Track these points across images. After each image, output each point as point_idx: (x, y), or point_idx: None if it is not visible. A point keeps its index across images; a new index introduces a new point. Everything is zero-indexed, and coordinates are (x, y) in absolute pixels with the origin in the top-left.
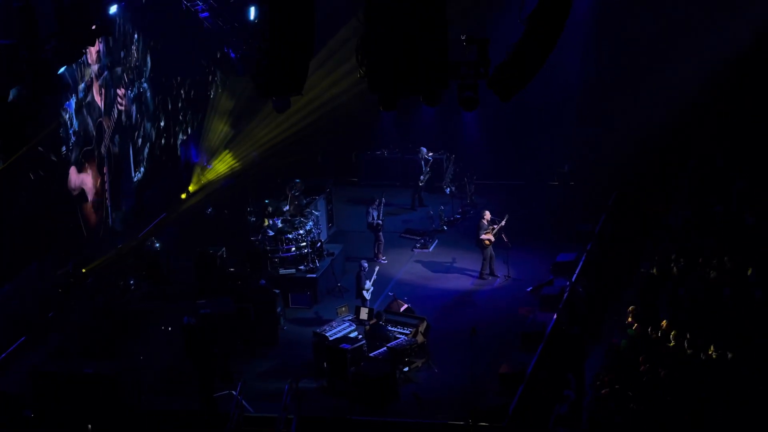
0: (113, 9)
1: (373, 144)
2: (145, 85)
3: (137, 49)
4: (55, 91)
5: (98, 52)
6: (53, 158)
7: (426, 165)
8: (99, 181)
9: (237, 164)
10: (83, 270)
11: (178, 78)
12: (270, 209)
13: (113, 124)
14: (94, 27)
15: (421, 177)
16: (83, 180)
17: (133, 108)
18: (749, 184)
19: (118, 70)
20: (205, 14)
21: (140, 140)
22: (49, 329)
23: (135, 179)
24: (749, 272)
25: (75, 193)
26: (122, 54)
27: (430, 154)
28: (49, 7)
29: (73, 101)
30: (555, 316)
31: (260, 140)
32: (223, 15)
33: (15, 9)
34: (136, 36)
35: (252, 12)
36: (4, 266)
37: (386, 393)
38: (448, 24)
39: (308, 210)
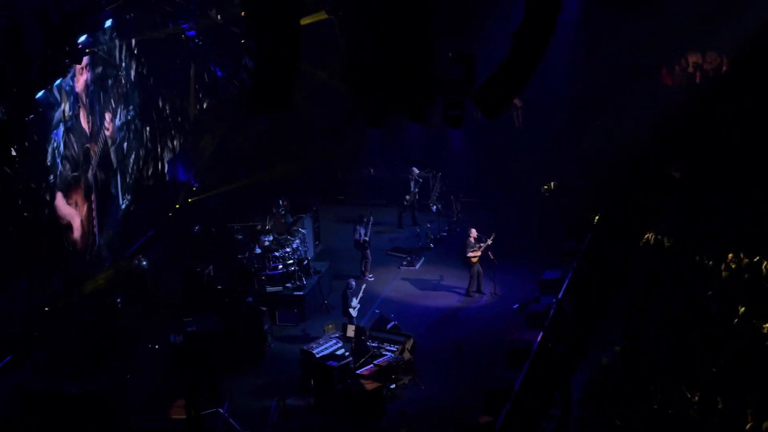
0: (108, 23)
1: (359, 162)
2: (132, 111)
3: (124, 75)
4: (41, 109)
5: (86, 80)
6: (40, 185)
7: (415, 186)
8: (86, 208)
9: (224, 182)
10: (70, 288)
11: (166, 97)
12: (258, 227)
13: (100, 150)
14: (80, 45)
15: (407, 197)
16: (71, 209)
17: (121, 133)
18: (731, 199)
19: (106, 95)
20: (192, 32)
21: (128, 165)
22: (36, 347)
23: (123, 206)
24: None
25: (63, 221)
26: (110, 82)
27: (423, 172)
28: (35, 26)
29: (60, 129)
30: (541, 334)
31: (247, 158)
32: (209, 33)
33: (1, 28)
34: (124, 63)
35: None
36: None
37: (373, 410)
38: (434, 41)
39: (295, 228)
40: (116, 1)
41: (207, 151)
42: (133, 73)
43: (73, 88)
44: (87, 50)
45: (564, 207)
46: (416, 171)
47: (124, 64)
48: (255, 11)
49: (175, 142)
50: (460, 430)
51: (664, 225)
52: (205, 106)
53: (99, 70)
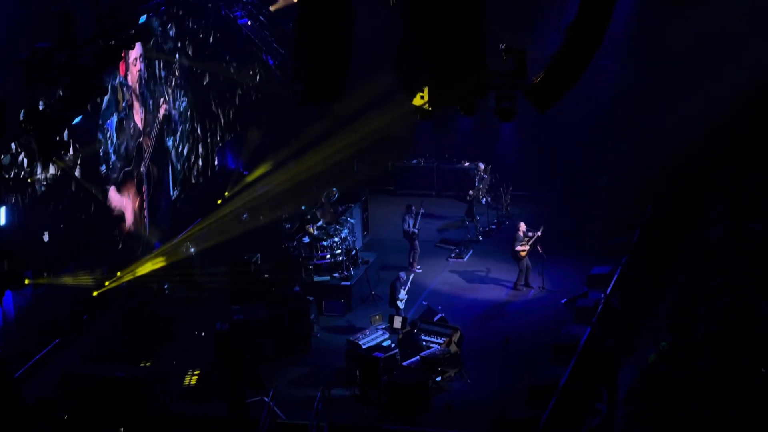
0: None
1: (409, 153)
2: (184, 102)
3: (177, 66)
4: (92, 95)
5: (139, 71)
6: (93, 174)
7: (480, 182)
8: (138, 200)
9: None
10: (118, 273)
11: (217, 86)
12: (308, 216)
13: (152, 144)
14: (132, 31)
15: (470, 192)
16: (123, 201)
17: (173, 125)
18: None
19: (158, 87)
20: (244, 20)
21: (179, 157)
22: (83, 332)
23: (173, 196)
24: None
25: (115, 213)
26: (163, 73)
27: (489, 168)
28: (87, 12)
29: (114, 120)
30: (589, 329)
31: (297, 148)
32: (261, 20)
33: (53, 13)
34: (177, 54)
35: None
36: (45, 268)
37: (418, 402)
38: (487, 33)
39: (343, 218)
40: None
41: (256, 139)
42: (185, 63)
43: (126, 80)
44: (139, 37)
45: (614, 201)
46: (482, 166)
47: (177, 55)
48: None
49: (225, 131)
50: (503, 426)
51: (714, 222)
52: (254, 96)
53: (152, 61)
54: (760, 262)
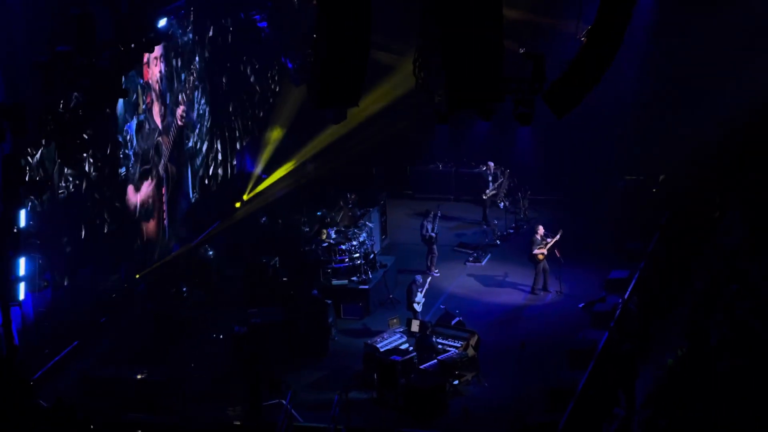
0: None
1: (427, 157)
2: (204, 104)
3: (197, 68)
4: (112, 98)
5: (160, 72)
6: (112, 176)
7: (493, 181)
8: (157, 201)
9: (292, 175)
10: (136, 276)
11: (236, 89)
12: (326, 220)
13: (171, 144)
14: (152, 34)
15: (487, 191)
16: (141, 201)
17: (192, 126)
18: None
19: (179, 88)
20: (263, 23)
21: (198, 158)
22: (101, 334)
23: (192, 198)
24: None
25: (133, 212)
26: (183, 76)
27: (507, 172)
28: (106, 15)
29: (134, 123)
30: (606, 334)
31: (317, 151)
32: (280, 23)
33: (72, 17)
34: (197, 56)
35: None
36: (63, 270)
37: (435, 406)
38: (505, 38)
39: (362, 221)
40: None
41: (275, 142)
42: (204, 65)
43: (146, 81)
44: (159, 40)
45: (631, 206)
46: (492, 164)
47: (197, 57)
48: (327, 2)
49: (243, 134)
50: (522, 430)
51: (730, 228)
52: (277, 99)
53: (172, 62)
54: None
